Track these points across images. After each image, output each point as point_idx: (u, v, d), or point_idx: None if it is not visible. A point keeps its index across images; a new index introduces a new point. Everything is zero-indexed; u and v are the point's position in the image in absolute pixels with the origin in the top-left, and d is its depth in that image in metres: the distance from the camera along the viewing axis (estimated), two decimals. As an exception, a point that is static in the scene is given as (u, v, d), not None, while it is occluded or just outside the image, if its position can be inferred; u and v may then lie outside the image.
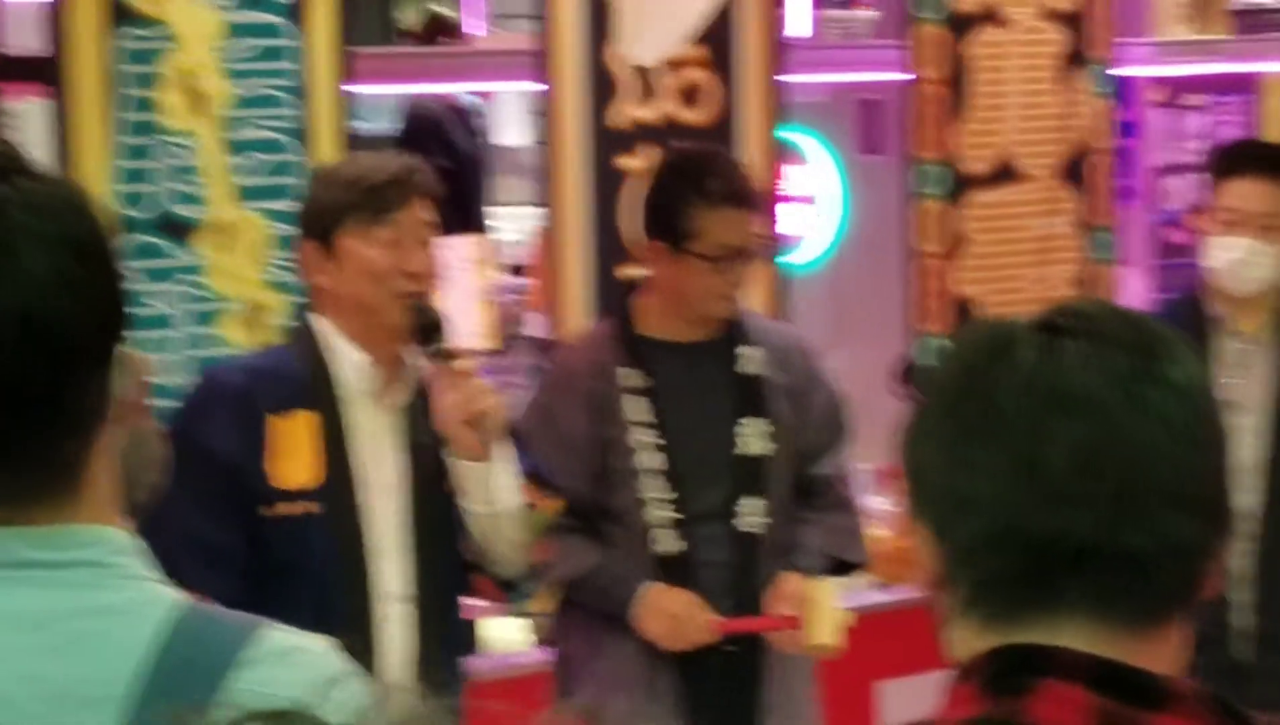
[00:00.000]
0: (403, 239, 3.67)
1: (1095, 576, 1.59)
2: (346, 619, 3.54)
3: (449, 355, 3.65)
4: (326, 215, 3.69)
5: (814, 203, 6.95)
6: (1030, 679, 1.58)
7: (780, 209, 5.79)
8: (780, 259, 5.54)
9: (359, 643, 3.48)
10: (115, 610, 1.64)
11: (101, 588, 1.65)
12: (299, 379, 3.69)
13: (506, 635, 5.19)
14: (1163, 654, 1.61)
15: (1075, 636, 1.59)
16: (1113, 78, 5.98)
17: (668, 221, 4.24)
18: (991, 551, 1.60)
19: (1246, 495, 4.68)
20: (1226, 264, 4.71)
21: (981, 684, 1.60)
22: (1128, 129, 7.35)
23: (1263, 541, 4.73)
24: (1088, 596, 1.59)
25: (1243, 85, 7.20)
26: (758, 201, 4.36)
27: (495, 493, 3.67)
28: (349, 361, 3.70)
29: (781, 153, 5.56)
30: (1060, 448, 1.60)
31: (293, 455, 3.64)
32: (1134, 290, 6.43)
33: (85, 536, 1.66)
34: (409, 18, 7.45)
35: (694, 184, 4.23)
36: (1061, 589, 1.59)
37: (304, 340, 3.75)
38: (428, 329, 3.66)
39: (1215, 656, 4.66)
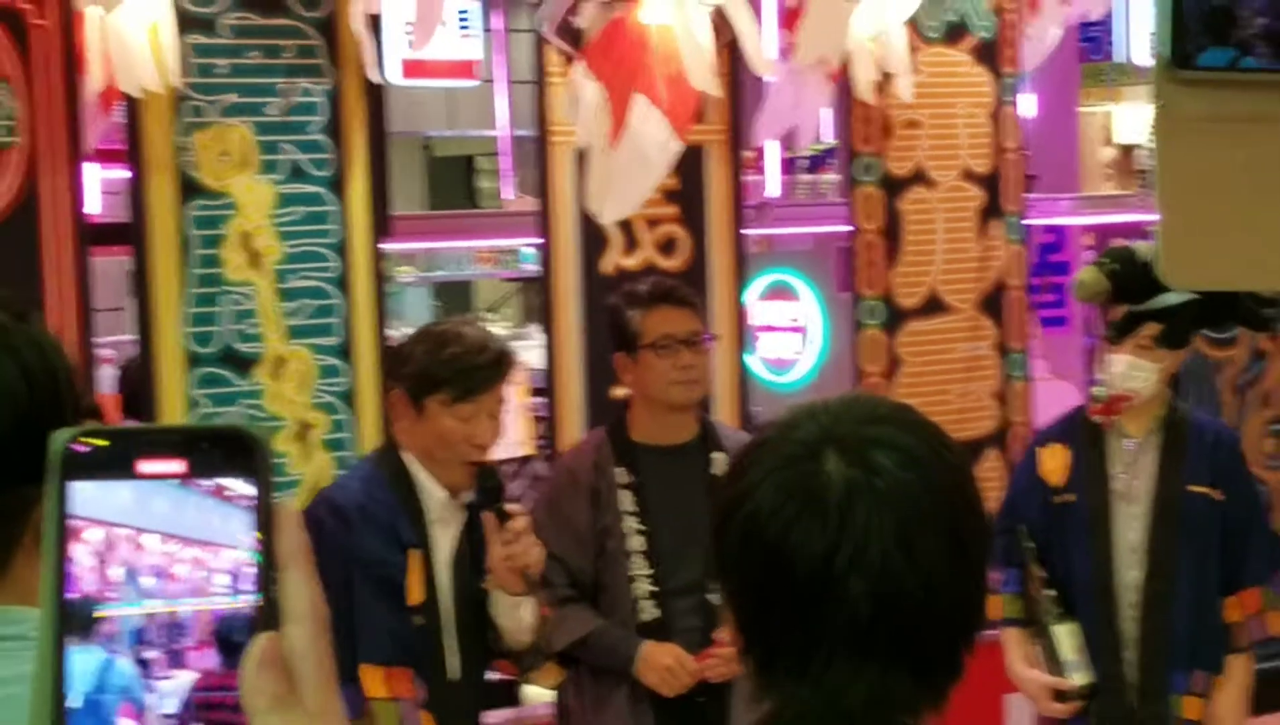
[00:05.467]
0: (479, 414, 3.84)
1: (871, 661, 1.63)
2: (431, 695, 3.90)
3: (507, 515, 3.80)
4: (422, 379, 3.83)
5: (802, 332, 7.18)
6: None
7: (760, 339, 5.96)
8: (752, 373, 5.75)
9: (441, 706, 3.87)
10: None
11: (29, 659, 1.70)
12: (406, 517, 3.89)
13: (538, 691, 5.47)
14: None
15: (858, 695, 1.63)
16: (1024, 226, 6.15)
17: (620, 333, 4.43)
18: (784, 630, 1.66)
19: (1133, 571, 4.80)
20: (1111, 377, 4.78)
21: None
22: (1062, 268, 7.61)
23: (1143, 608, 4.81)
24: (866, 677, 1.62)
25: (1159, 230, 7.44)
26: (692, 300, 4.48)
27: (524, 617, 3.90)
28: (433, 497, 3.91)
29: (745, 292, 5.76)
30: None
31: (414, 584, 3.87)
32: (1065, 400, 6.59)
33: (14, 614, 1.64)
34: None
35: (630, 296, 4.45)
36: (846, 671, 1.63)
37: (392, 470, 3.93)
38: (491, 491, 3.85)
39: (1109, 705, 4.83)
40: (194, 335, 4.84)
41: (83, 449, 0.91)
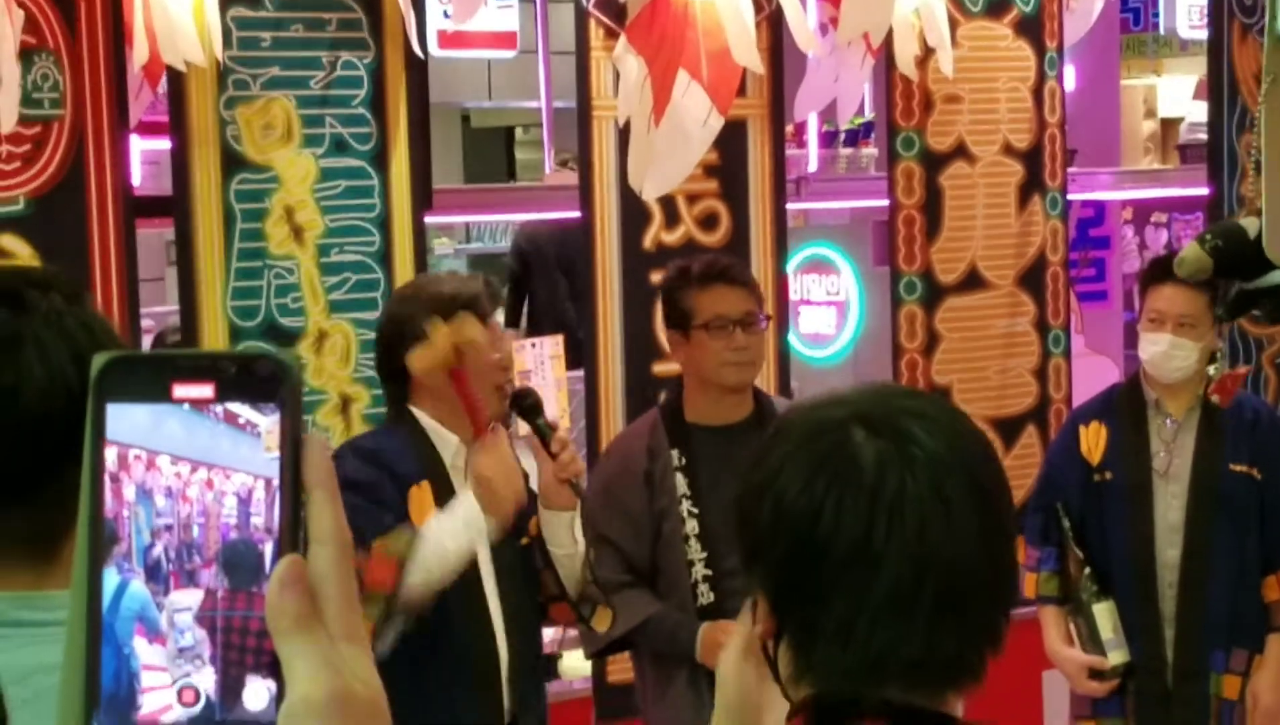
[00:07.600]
0: (493, 339, 3.87)
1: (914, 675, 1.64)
2: (465, 647, 3.85)
3: (551, 428, 3.83)
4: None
5: (841, 306, 7.19)
6: (849, 718, 1.63)
7: (801, 311, 5.93)
8: (791, 347, 5.75)
9: (480, 662, 3.82)
10: None
11: None
12: (416, 456, 3.87)
13: (576, 665, 5.54)
14: (956, 704, 1.67)
15: (889, 691, 1.64)
16: (1065, 201, 6.11)
17: (674, 311, 4.41)
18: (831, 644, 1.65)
19: (1172, 549, 4.81)
20: (1152, 356, 4.80)
21: (808, 720, 1.66)
22: (1103, 242, 7.60)
23: (1181, 587, 4.82)
24: (898, 678, 1.64)
25: (1197, 205, 7.37)
26: (746, 280, 4.46)
27: (576, 536, 3.89)
28: (446, 443, 3.89)
29: (786, 267, 5.78)
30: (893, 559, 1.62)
31: (422, 517, 3.78)
32: (1105, 376, 6.60)
33: (63, 599, 1.63)
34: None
35: (685, 274, 4.43)
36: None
37: (408, 425, 3.92)
38: (531, 409, 3.86)
39: (1148, 684, 4.86)
40: (236, 309, 4.86)
41: (119, 371, 0.93)
